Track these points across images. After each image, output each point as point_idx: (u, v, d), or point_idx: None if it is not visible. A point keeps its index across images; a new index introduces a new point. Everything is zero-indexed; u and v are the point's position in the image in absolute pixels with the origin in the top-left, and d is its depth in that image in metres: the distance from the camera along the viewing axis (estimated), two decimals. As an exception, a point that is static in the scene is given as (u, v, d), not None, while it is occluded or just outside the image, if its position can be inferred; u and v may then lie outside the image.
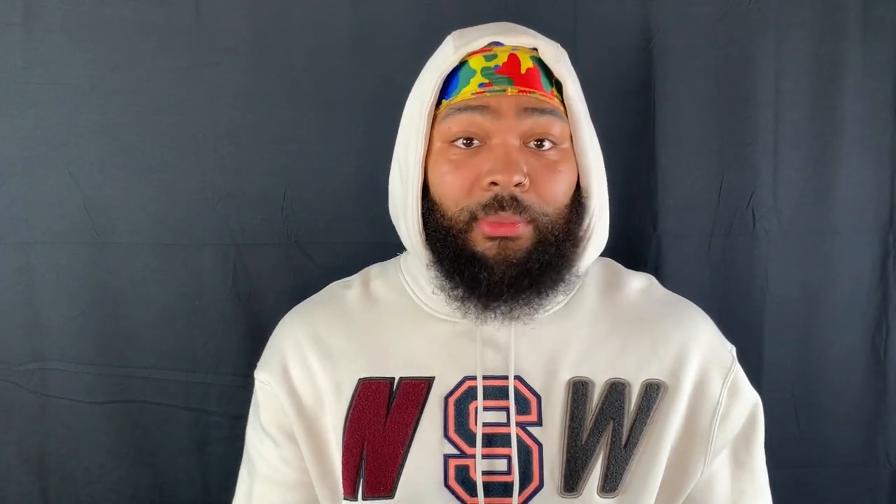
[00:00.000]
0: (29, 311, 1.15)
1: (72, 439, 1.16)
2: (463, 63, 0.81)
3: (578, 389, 0.82)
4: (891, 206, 1.19)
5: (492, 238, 0.78)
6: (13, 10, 1.11)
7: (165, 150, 1.14)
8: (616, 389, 0.83)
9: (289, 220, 1.16)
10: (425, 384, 0.83)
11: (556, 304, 0.85)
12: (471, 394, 0.82)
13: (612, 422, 0.82)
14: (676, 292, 0.92)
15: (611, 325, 0.86)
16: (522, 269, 0.78)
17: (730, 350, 0.88)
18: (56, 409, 1.16)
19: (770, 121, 1.17)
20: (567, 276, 0.82)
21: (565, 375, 0.82)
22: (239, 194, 1.15)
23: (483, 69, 0.80)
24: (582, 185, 0.83)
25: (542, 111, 0.79)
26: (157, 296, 1.16)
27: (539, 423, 0.81)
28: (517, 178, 0.77)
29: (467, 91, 0.80)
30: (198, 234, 1.15)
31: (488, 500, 0.80)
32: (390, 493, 0.81)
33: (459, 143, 0.80)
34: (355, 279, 0.93)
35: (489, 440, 0.81)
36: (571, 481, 0.80)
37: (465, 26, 0.85)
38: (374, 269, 0.94)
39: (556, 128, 0.80)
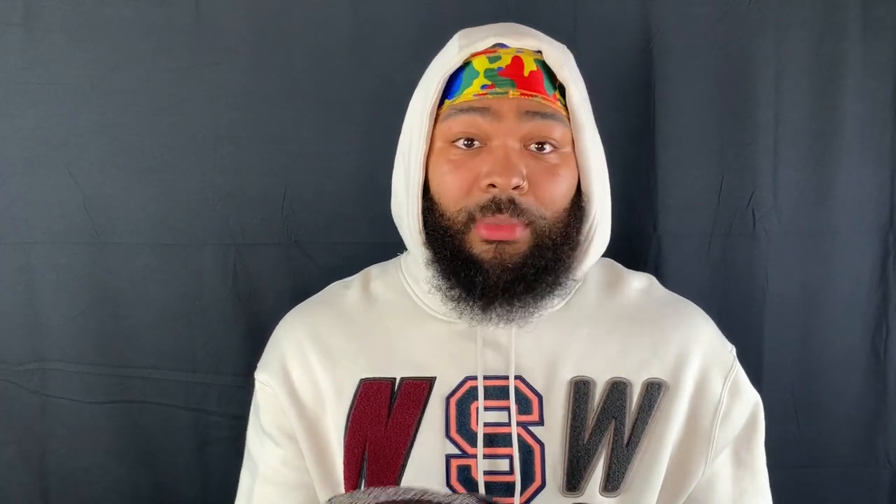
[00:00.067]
0: (29, 311, 1.14)
1: (72, 439, 1.16)
2: (467, 63, 0.81)
3: (580, 389, 0.82)
4: (891, 206, 1.19)
5: (489, 242, 0.78)
6: (13, 10, 1.11)
7: (165, 150, 1.14)
8: (617, 389, 0.83)
9: (289, 220, 1.16)
10: (426, 384, 0.83)
11: (553, 305, 0.85)
12: (472, 394, 0.82)
13: (613, 421, 0.82)
14: (676, 292, 0.92)
15: (611, 324, 0.86)
16: (518, 273, 0.79)
17: (730, 350, 0.88)
18: (56, 409, 1.16)
19: (770, 121, 1.17)
20: (564, 281, 0.82)
21: (566, 375, 0.82)
22: (239, 194, 1.15)
23: (486, 70, 0.80)
24: (583, 189, 0.83)
25: (544, 115, 0.79)
26: (157, 296, 1.16)
27: (541, 422, 0.81)
28: (515, 181, 0.77)
29: (469, 92, 0.80)
30: (198, 234, 1.15)
31: (490, 499, 0.80)
32: (392, 493, 0.81)
33: (460, 143, 0.80)
34: (355, 279, 0.93)
35: (491, 440, 0.81)
36: (574, 481, 0.80)
37: (466, 26, 0.85)
38: (374, 270, 0.94)
39: (557, 132, 0.80)
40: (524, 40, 0.82)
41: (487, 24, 0.85)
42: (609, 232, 0.87)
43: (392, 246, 0.93)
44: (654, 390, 0.83)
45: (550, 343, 0.84)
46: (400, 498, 0.66)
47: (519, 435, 0.81)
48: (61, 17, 1.12)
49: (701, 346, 0.86)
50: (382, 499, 0.65)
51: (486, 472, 0.80)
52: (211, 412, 1.18)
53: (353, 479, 0.82)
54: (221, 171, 1.15)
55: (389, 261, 0.95)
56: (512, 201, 0.77)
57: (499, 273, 0.79)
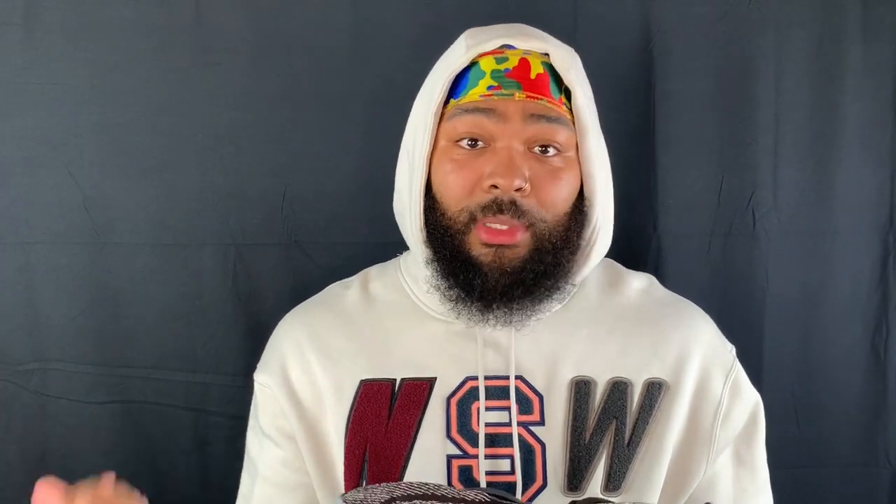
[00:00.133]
0: (29, 311, 1.14)
1: (72, 439, 1.16)
2: (473, 63, 0.81)
3: (581, 388, 0.82)
4: (891, 206, 1.19)
5: (488, 245, 0.78)
6: (13, 10, 1.11)
7: (165, 150, 1.14)
8: (618, 388, 0.83)
9: (289, 220, 1.16)
10: (427, 385, 0.83)
11: (551, 308, 0.85)
12: (473, 394, 0.82)
13: (614, 421, 0.82)
14: (676, 292, 0.92)
15: (612, 324, 0.86)
16: (517, 278, 0.79)
17: (730, 350, 0.88)
18: (56, 409, 1.16)
19: (770, 121, 1.17)
20: (563, 285, 0.82)
21: (567, 375, 0.82)
22: (239, 194, 1.15)
23: (493, 72, 0.80)
24: (585, 193, 0.83)
25: (549, 118, 0.79)
26: (157, 296, 1.15)
27: (541, 422, 0.81)
28: (518, 183, 0.77)
29: (475, 92, 0.80)
30: (198, 234, 1.15)
31: (491, 499, 0.80)
32: (392, 494, 0.81)
33: (464, 143, 0.80)
34: (355, 280, 0.93)
35: (492, 440, 0.81)
36: (575, 480, 0.80)
37: (466, 26, 0.85)
38: (373, 270, 0.94)
39: (561, 135, 0.80)
40: (532, 42, 0.82)
41: (495, 25, 0.85)
42: (611, 237, 0.87)
43: (392, 246, 0.93)
44: (654, 390, 0.83)
45: (551, 343, 0.84)
46: (415, 492, 0.66)
47: (520, 435, 0.81)
48: (61, 17, 1.11)
49: (701, 346, 0.86)
50: (397, 493, 0.66)
51: (488, 473, 0.80)
52: (211, 412, 1.17)
53: (354, 480, 0.82)
54: (221, 171, 1.15)
55: (389, 261, 0.95)
56: (514, 203, 0.77)
57: (497, 277, 0.79)
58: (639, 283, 0.91)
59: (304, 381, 0.86)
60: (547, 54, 0.82)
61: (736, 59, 1.16)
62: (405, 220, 0.85)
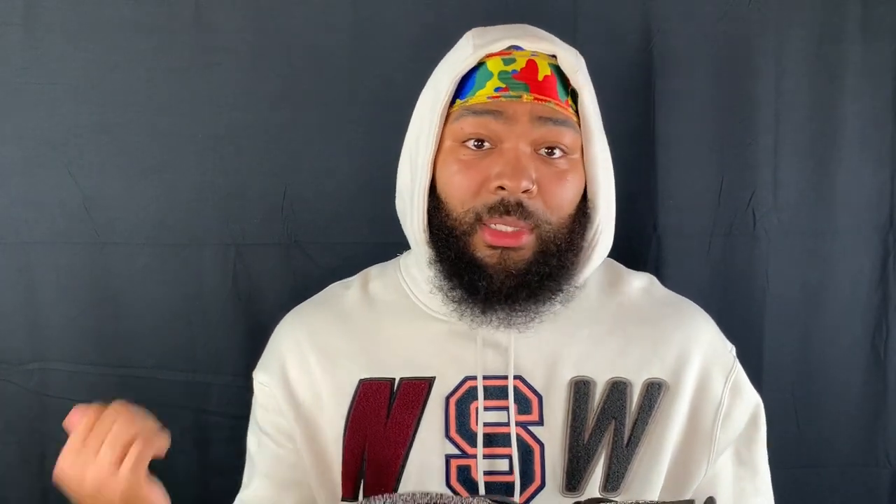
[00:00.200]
0: (29, 311, 1.14)
1: (72, 439, 1.16)
2: (480, 64, 0.81)
3: (580, 389, 0.82)
4: (891, 206, 1.19)
5: (493, 247, 0.78)
6: (13, 10, 1.11)
7: (165, 150, 1.14)
8: (618, 389, 0.83)
9: (289, 220, 1.16)
10: (426, 384, 0.83)
11: (553, 310, 0.84)
12: (472, 394, 0.82)
13: (613, 421, 0.82)
14: (676, 292, 0.92)
15: (612, 324, 0.86)
16: (521, 280, 0.79)
17: (730, 350, 0.88)
18: (56, 409, 1.15)
19: (770, 121, 1.17)
20: (566, 287, 0.82)
21: (566, 375, 0.82)
22: (239, 194, 1.15)
23: (500, 73, 0.80)
24: (589, 195, 0.83)
25: (556, 121, 0.79)
26: (157, 296, 1.15)
27: (540, 422, 0.81)
28: (525, 185, 0.77)
29: (483, 94, 0.80)
30: (198, 234, 1.15)
31: (490, 499, 0.80)
32: (392, 494, 0.81)
33: (470, 144, 0.80)
34: (355, 280, 0.93)
35: (490, 440, 0.81)
36: (573, 481, 0.80)
37: (466, 26, 0.85)
38: (373, 270, 0.94)
39: (567, 137, 0.80)
40: (539, 44, 0.81)
41: (500, 25, 0.84)
42: (612, 239, 0.87)
43: (392, 246, 0.93)
44: (654, 390, 0.83)
45: (550, 343, 0.84)
46: (417, 502, 0.66)
47: (518, 435, 0.81)
48: (61, 17, 1.11)
49: (701, 346, 0.86)
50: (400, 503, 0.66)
51: (486, 473, 0.80)
52: (211, 412, 1.17)
53: (352, 479, 0.82)
54: (221, 171, 1.15)
55: (389, 261, 0.95)
56: (520, 204, 0.77)
57: (502, 279, 0.79)
58: (639, 282, 0.91)
59: (303, 380, 0.86)
60: (554, 56, 0.81)
61: (736, 59, 1.16)
62: (407, 220, 0.85)
